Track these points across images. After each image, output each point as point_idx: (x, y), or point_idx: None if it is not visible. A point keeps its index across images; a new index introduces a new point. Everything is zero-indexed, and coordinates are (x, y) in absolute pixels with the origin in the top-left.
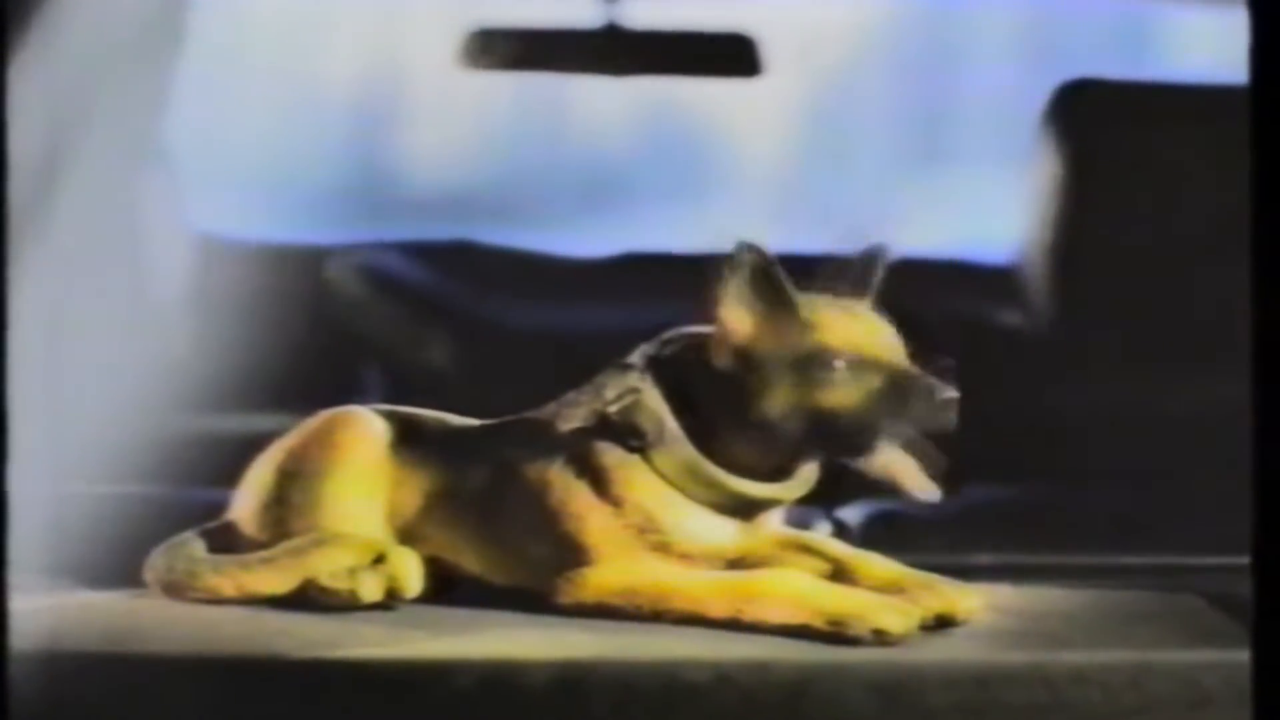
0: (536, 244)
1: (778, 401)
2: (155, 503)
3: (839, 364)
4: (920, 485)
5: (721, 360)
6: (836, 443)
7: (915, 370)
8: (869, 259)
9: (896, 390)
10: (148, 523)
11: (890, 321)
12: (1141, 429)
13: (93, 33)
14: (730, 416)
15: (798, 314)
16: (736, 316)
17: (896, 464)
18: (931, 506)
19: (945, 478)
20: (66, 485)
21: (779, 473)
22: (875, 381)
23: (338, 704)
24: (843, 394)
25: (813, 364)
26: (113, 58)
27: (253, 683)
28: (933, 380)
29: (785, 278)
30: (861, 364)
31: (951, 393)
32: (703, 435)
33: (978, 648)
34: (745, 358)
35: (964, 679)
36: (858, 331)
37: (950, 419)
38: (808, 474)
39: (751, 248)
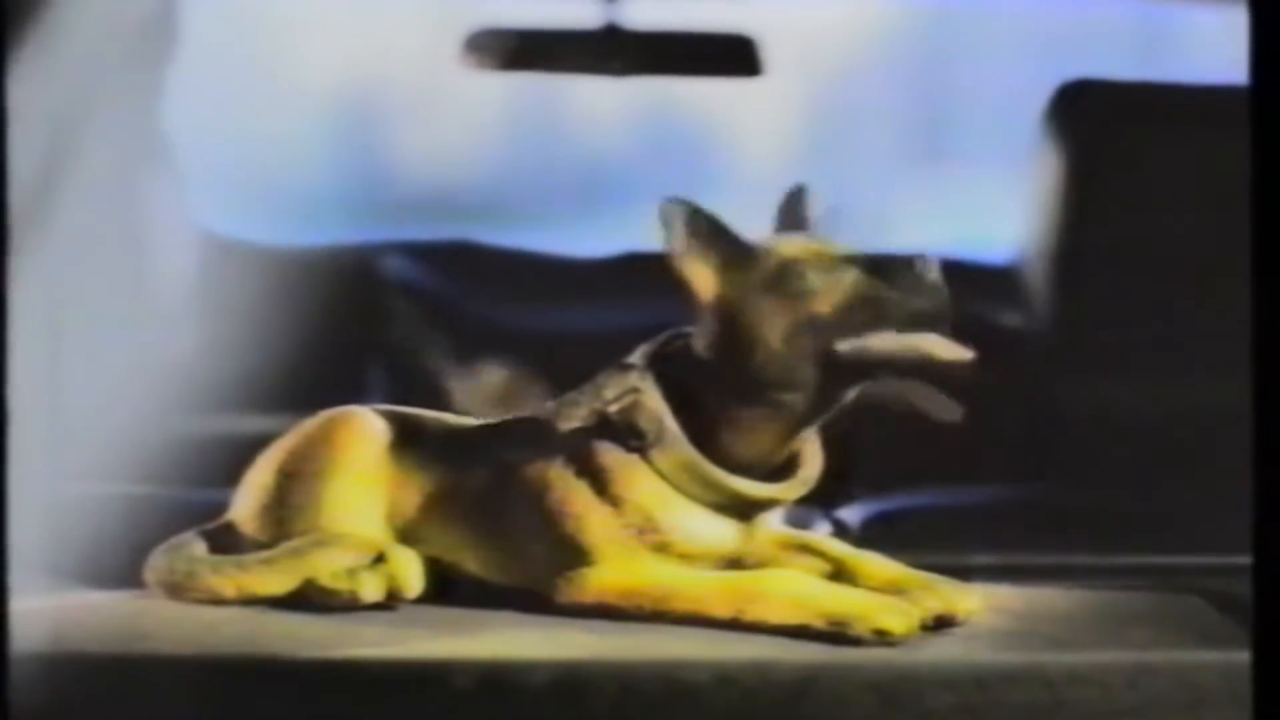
0: (536, 244)
1: (774, 329)
2: (155, 503)
3: (809, 271)
4: (951, 351)
5: (707, 324)
6: (848, 350)
7: (888, 255)
8: (793, 197)
9: (876, 275)
10: (148, 523)
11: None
12: (1141, 429)
13: (93, 33)
14: (739, 387)
15: (748, 246)
16: (697, 271)
17: (917, 340)
18: (930, 507)
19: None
20: (67, 486)
21: (782, 471)
22: (851, 274)
23: (338, 704)
24: (826, 296)
25: (785, 279)
26: (113, 58)
27: (253, 683)
28: (908, 258)
29: (720, 219)
30: (830, 264)
31: (934, 268)
32: (703, 435)
33: (977, 648)
34: (726, 308)
35: (964, 679)
36: (811, 243)
37: (942, 293)
38: (807, 473)
39: (676, 201)
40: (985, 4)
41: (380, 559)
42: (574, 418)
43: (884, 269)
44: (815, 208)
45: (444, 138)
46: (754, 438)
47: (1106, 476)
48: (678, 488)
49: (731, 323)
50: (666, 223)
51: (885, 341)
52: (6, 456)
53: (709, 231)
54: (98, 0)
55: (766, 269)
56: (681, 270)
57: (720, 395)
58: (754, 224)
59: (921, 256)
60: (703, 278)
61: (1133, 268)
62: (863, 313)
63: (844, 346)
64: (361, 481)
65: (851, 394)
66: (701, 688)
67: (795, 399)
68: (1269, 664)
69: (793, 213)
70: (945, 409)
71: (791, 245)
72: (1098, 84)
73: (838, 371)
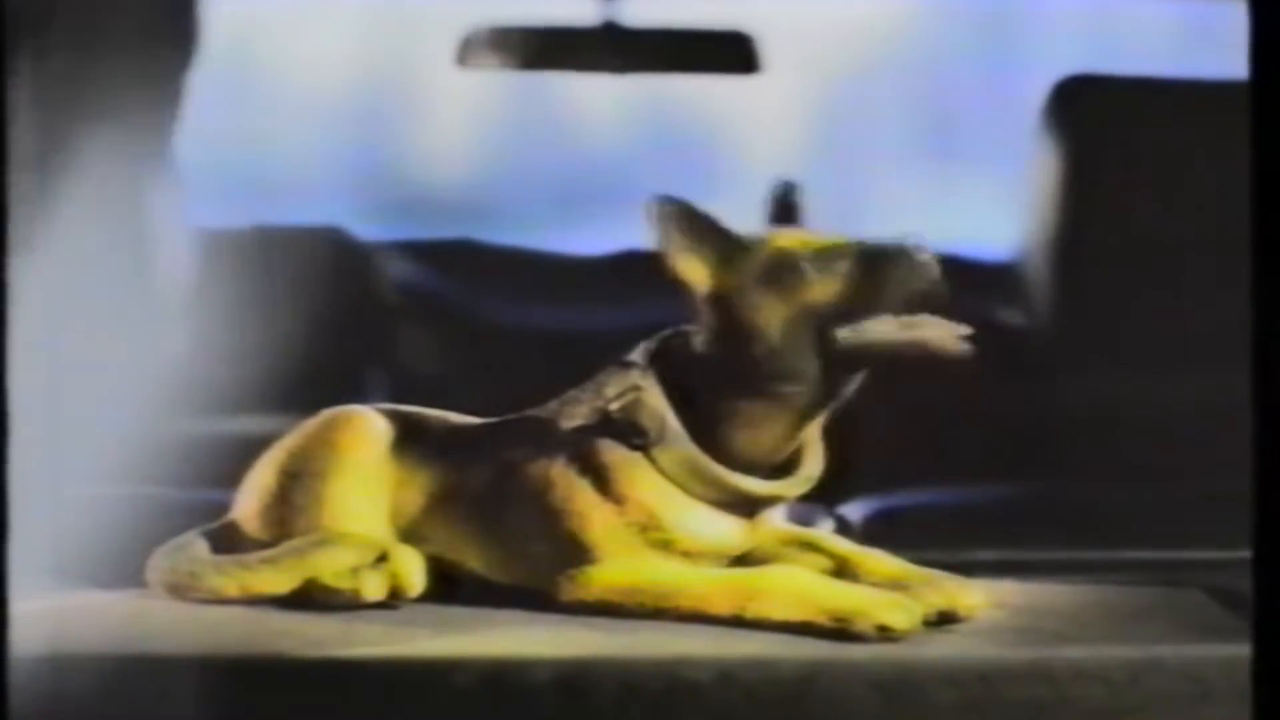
0: (536, 242)
1: (772, 320)
2: (157, 503)
3: (803, 262)
4: (948, 339)
5: (705, 320)
6: (847, 337)
7: (880, 242)
8: (782, 191)
9: (870, 262)
10: (150, 523)
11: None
12: (1141, 425)
13: (95, 32)
14: (740, 381)
15: (740, 240)
16: (691, 267)
17: (917, 326)
18: (932, 504)
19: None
20: (68, 486)
21: (784, 468)
22: (845, 263)
23: (341, 703)
24: (822, 285)
25: (780, 270)
26: (122, 60)
27: (256, 682)
28: (900, 243)
29: (710, 214)
30: (824, 253)
31: (926, 251)
32: (704, 432)
33: (980, 644)
34: (723, 303)
35: (967, 675)
36: (803, 234)
37: (936, 275)
38: (810, 470)
39: (664, 198)
40: (983, 1)
41: (383, 558)
42: (575, 416)
43: (877, 255)
44: (804, 200)
45: (444, 137)
46: (757, 433)
47: (1107, 472)
48: (680, 485)
49: (729, 317)
50: (657, 221)
51: (883, 326)
52: (7, 457)
53: (700, 228)
54: (103, 3)
55: (760, 261)
56: (676, 267)
57: (721, 391)
58: (753, 220)
59: (912, 239)
60: (697, 273)
61: (1132, 264)
62: (859, 299)
63: (843, 333)
64: (363, 481)
65: (855, 382)
66: (704, 685)
67: (797, 391)
68: (1269, 658)
69: (783, 206)
70: (952, 343)
71: (784, 237)
72: (1096, 80)
73: (838, 361)
